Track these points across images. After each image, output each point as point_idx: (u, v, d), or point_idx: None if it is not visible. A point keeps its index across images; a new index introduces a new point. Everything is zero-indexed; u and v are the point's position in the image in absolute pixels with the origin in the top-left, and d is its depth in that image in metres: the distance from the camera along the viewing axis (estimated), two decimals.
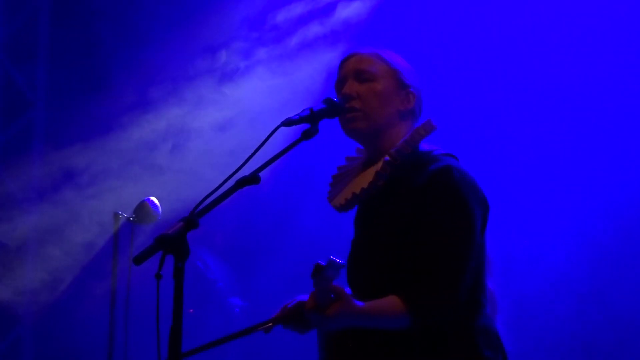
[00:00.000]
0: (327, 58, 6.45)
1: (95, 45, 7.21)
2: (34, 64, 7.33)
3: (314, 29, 6.71)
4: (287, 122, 2.90)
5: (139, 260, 2.53)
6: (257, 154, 2.81)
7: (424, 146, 3.09)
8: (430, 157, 3.04)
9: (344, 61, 3.20)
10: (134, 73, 7.02)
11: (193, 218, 2.59)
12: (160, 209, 4.96)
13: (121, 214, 4.98)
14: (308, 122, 2.93)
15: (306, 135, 2.92)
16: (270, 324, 3.14)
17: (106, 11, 7.23)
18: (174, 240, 2.54)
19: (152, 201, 4.97)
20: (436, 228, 2.88)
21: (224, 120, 6.74)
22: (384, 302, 2.83)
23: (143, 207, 4.94)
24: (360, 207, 3.15)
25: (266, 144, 2.83)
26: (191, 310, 6.07)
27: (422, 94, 3.18)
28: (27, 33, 7.30)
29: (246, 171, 2.74)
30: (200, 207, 2.64)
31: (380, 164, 3.04)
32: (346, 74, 3.15)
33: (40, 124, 7.32)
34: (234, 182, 2.72)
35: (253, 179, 2.72)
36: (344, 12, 6.64)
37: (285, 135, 2.94)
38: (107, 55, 7.20)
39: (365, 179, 3.08)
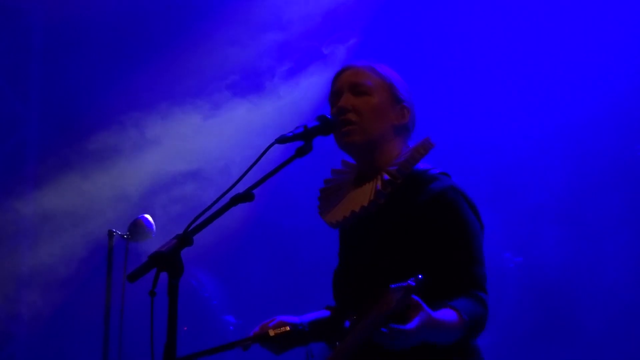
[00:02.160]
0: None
1: (90, 60, 7.23)
2: (27, 81, 7.34)
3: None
4: (281, 140, 2.90)
5: (133, 277, 2.52)
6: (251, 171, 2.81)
7: (419, 164, 3.09)
8: (428, 176, 3.04)
9: (338, 74, 3.19)
10: (129, 93, 7.04)
11: (187, 235, 2.59)
12: (154, 226, 4.95)
13: (115, 232, 4.97)
14: (302, 139, 2.93)
15: (300, 153, 2.91)
16: (250, 341, 3.13)
17: (99, 28, 7.24)
18: (168, 257, 2.53)
19: (146, 219, 4.97)
20: (459, 244, 2.92)
21: None
22: (447, 314, 2.78)
23: (137, 225, 4.94)
24: (356, 224, 3.12)
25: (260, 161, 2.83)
26: (185, 328, 6.06)
27: (415, 109, 3.18)
28: (20, 49, 7.31)
29: (240, 188, 2.74)
30: (195, 224, 2.64)
31: (378, 182, 3.03)
32: (341, 87, 3.14)
33: (33, 141, 7.32)
34: (228, 200, 2.72)
35: (247, 196, 2.72)
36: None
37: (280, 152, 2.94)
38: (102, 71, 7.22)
39: (362, 196, 3.06)
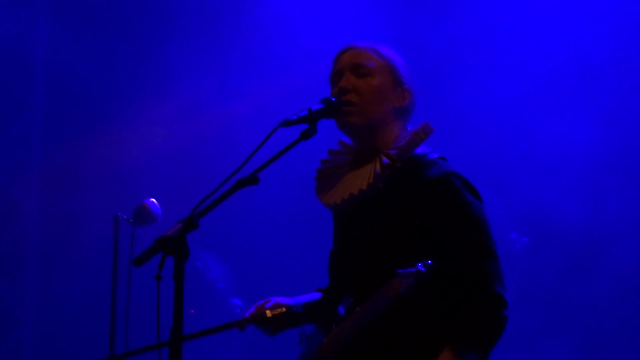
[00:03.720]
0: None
1: (96, 47, 7.22)
2: (32, 67, 7.34)
3: None
4: (286, 123, 2.89)
5: (139, 262, 2.53)
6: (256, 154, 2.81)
7: (418, 148, 3.08)
8: (427, 161, 3.04)
9: (340, 54, 3.17)
10: (134, 77, 7.04)
11: (192, 219, 2.59)
12: (160, 211, 4.95)
13: (121, 216, 4.97)
14: (306, 122, 2.92)
15: (305, 135, 2.90)
16: (246, 322, 3.14)
17: (106, 14, 7.23)
18: (174, 241, 2.53)
19: (152, 202, 4.96)
20: (463, 232, 2.91)
21: None
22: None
23: (143, 209, 4.94)
24: (354, 207, 3.10)
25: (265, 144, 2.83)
26: (192, 311, 6.06)
27: (416, 91, 3.16)
28: (25, 36, 7.30)
29: (245, 172, 2.74)
30: (200, 208, 2.64)
31: (377, 165, 3.02)
32: (342, 68, 3.12)
33: (38, 126, 7.32)
34: (233, 183, 2.72)
35: (252, 179, 2.71)
36: None
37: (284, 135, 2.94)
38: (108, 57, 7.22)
39: (361, 179, 3.05)
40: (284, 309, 3.13)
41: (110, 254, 4.91)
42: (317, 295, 3.26)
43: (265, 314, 3.13)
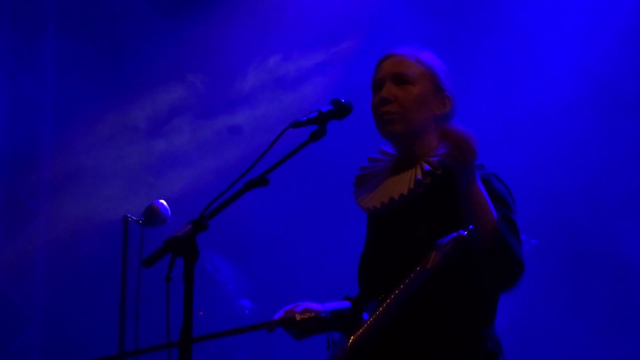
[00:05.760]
0: None
1: (104, 47, 7.24)
2: (42, 68, 7.35)
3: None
4: (295, 124, 2.89)
5: (148, 263, 2.53)
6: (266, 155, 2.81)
7: None
8: None
9: (381, 62, 3.19)
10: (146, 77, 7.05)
11: (202, 220, 2.59)
12: (169, 212, 4.95)
13: (130, 217, 4.98)
14: (316, 123, 2.92)
15: (314, 137, 2.90)
16: (276, 324, 3.16)
17: (115, 14, 7.25)
18: (183, 242, 2.53)
19: (162, 204, 4.96)
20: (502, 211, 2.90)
21: None
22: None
23: (152, 210, 4.94)
24: (394, 211, 3.09)
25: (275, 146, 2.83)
26: (201, 313, 6.07)
27: (456, 97, 3.17)
28: (35, 36, 7.32)
29: (254, 173, 2.74)
30: (209, 209, 2.64)
31: (418, 171, 3.03)
32: (384, 77, 3.13)
33: (48, 128, 7.34)
34: (242, 184, 2.72)
35: (261, 180, 2.71)
36: None
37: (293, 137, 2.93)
38: (117, 57, 7.23)
39: (401, 184, 3.06)
40: (312, 314, 3.16)
41: (120, 255, 4.91)
42: (345, 304, 3.28)
43: (294, 317, 3.15)
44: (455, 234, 2.72)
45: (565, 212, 6.37)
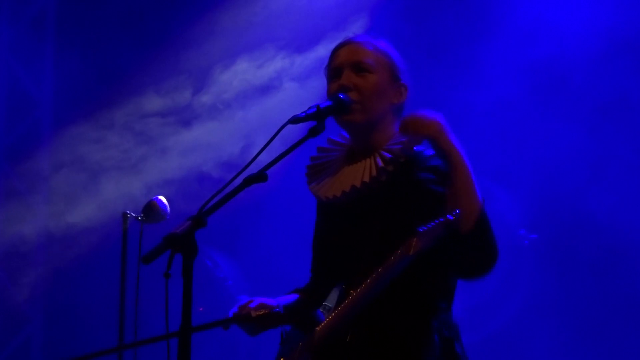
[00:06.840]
0: None
1: (103, 43, 7.23)
2: (41, 64, 7.35)
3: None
4: (294, 120, 2.90)
5: (147, 259, 2.53)
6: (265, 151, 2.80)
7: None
8: (426, 156, 3.05)
9: (337, 49, 3.18)
10: (145, 70, 7.04)
11: (201, 216, 2.59)
12: (168, 208, 4.95)
13: (129, 213, 4.97)
14: (315, 119, 2.93)
15: (313, 133, 2.91)
16: (230, 322, 3.16)
17: (114, 9, 7.24)
18: (182, 238, 2.53)
19: (161, 200, 4.96)
20: None
21: None
22: None
23: (151, 207, 4.93)
24: (355, 199, 3.09)
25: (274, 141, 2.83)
26: (201, 309, 6.07)
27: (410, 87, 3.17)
28: (34, 32, 7.31)
29: (253, 169, 2.74)
30: (208, 205, 2.64)
31: (376, 159, 3.03)
32: (342, 64, 3.13)
33: (47, 123, 7.34)
34: (241, 180, 2.72)
35: (260, 176, 2.72)
36: None
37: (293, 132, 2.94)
38: (115, 53, 7.22)
39: (360, 172, 3.06)
40: (267, 310, 3.16)
41: (119, 252, 4.91)
42: (295, 297, 3.28)
43: (249, 313, 3.15)
44: (441, 219, 2.72)
45: (565, 206, 6.35)
